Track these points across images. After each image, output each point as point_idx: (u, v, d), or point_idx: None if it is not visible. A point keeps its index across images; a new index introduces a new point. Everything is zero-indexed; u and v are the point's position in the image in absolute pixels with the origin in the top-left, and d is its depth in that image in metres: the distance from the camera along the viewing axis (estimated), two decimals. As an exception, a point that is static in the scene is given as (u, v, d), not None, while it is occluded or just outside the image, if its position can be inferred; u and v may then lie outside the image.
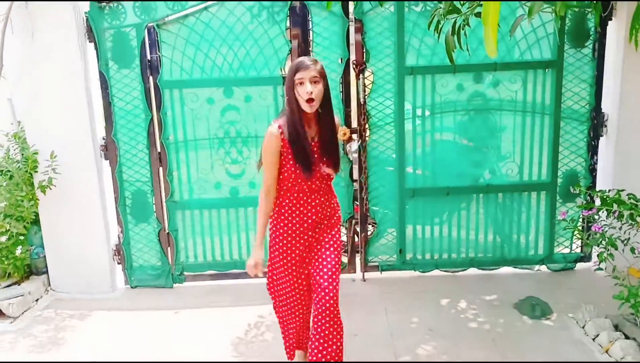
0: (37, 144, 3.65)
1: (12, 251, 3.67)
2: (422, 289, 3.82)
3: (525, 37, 3.69)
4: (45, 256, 3.90)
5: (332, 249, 2.56)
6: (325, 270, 2.49)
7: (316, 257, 2.56)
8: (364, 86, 3.75)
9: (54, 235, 3.83)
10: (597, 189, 3.68)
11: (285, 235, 2.56)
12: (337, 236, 2.62)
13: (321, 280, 2.47)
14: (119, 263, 4.01)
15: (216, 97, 3.76)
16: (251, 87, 3.73)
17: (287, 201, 2.53)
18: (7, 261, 3.68)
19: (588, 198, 3.52)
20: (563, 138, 3.84)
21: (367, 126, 3.80)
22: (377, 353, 3.04)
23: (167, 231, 3.96)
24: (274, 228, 2.59)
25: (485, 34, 1.19)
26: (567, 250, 4.03)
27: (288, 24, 3.65)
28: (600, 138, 3.86)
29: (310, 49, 3.70)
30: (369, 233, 4.03)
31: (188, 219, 3.95)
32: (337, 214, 2.64)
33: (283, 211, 2.54)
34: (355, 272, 4.05)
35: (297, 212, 2.53)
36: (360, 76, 3.73)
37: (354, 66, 3.72)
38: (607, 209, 3.12)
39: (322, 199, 2.55)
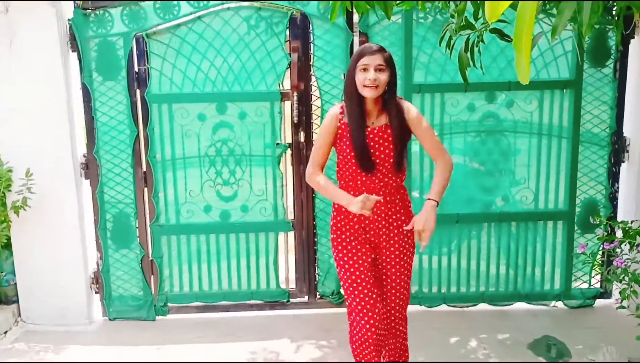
0: (11, 160, 3.65)
1: (-20, 278, 3.65)
2: (428, 326, 3.81)
3: (542, 54, 3.75)
4: (16, 283, 3.87)
5: (400, 280, 2.70)
6: (396, 302, 2.72)
7: (387, 282, 2.69)
8: None
9: (27, 260, 3.81)
10: (619, 219, 3.72)
11: (345, 238, 2.63)
12: (408, 256, 2.72)
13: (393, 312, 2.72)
14: (96, 293, 3.98)
15: (208, 113, 3.78)
16: (246, 103, 3.76)
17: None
18: (-26, 289, 3.65)
19: (609, 229, 3.54)
20: (582, 163, 3.87)
21: None
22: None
23: (150, 258, 3.95)
24: (333, 234, 2.66)
25: (517, 59, 1.21)
26: (585, 285, 4.04)
27: (288, 36, 3.70)
28: (622, 164, 3.91)
29: (311, 63, 3.75)
30: None
31: (174, 245, 3.95)
32: (408, 219, 2.68)
33: (342, 215, 2.63)
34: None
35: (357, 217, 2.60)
36: None
37: None
38: (629, 242, 3.13)
39: (388, 198, 2.60)
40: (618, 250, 3.20)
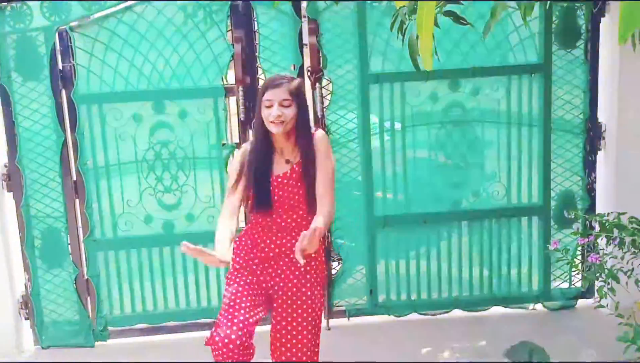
0: None
1: None
2: (398, 337, 3.85)
3: (507, 37, 3.82)
4: None
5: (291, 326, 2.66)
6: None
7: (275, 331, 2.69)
8: (322, 96, 3.82)
9: (-56, 286, 3.74)
10: (597, 211, 3.80)
11: (239, 270, 2.68)
12: (308, 302, 2.66)
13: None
14: (26, 319, 3.94)
15: (144, 113, 3.78)
16: (187, 100, 3.76)
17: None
18: None
19: (586, 223, 3.60)
20: (555, 153, 3.96)
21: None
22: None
23: (86, 277, 3.92)
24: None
25: (420, 42, 1.24)
26: (566, 285, 4.12)
27: (229, 25, 3.71)
28: (598, 152, 4.00)
29: (257, 53, 3.76)
30: (333, 271, 4.06)
31: (112, 262, 3.93)
32: (315, 268, 2.70)
33: (244, 244, 2.71)
34: None
35: (259, 247, 2.67)
36: (317, 85, 3.80)
37: (309, 74, 3.79)
38: (606, 236, 3.19)
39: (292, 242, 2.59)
40: (596, 245, 3.27)
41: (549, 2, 3.65)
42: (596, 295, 3.69)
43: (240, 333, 2.44)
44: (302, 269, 2.63)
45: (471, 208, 4.02)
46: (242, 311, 2.52)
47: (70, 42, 3.67)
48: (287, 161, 2.60)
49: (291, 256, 2.58)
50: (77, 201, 3.84)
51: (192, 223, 3.90)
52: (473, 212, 4.01)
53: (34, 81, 3.69)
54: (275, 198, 2.59)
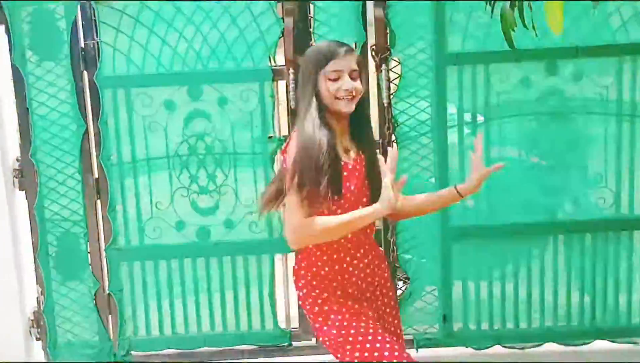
0: None
1: None
2: (477, 375, 3.59)
3: (619, 9, 3.49)
4: None
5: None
6: None
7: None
8: (388, 81, 3.62)
9: (-55, 298, 3.68)
10: None
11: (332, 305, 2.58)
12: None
13: None
14: (38, 339, 3.83)
15: (178, 99, 3.63)
16: (227, 84, 3.60)
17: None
18: None
19: None
20: None
21: (393, 137, 3.67)
22: None
23: (107, 291, 3.80)
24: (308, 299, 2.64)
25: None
26: None
27: None
28: None
29: (311, 30, 3.54)
30: (398, 292, 3.73)
31: (138, 275, 3.79)
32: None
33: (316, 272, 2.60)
34: (381, 351, 3.79)
35: (341, 270, 2.58)
36: (383, 66, 3.60)
37: (374, 54, 3.59)
38: None
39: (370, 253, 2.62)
40: None
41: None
42: None
43: None
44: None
45: (570, 219, 3.75)
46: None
47: (94, 16, 3.56)
48: (347, 151, 2.50)
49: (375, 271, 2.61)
50: (98, 202, 3.73)
51: (232, 231, 3.74)
52: (572, 224, 3.72)
53: (52, 61, 3.58)
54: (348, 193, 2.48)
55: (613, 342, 3.76)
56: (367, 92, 2.59)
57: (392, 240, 3.70)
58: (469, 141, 3.63)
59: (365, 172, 2.52)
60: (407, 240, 3.72)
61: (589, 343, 3.77)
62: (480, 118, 3.66)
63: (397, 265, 3.78)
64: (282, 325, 3.83)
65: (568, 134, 3.66)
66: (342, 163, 2.46)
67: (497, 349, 3.78)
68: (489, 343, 3.78)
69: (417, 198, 2.69)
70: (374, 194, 2.44)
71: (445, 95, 3.58)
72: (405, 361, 2.33)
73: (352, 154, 2.52)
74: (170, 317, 3.80)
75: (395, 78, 3.61)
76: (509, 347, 3.78)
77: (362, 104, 2.51)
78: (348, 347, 2.38)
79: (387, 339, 2.39)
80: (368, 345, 2.36)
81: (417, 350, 3.75)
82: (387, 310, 2.67)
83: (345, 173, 2.45)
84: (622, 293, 3.76)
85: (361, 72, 2.48)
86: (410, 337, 3.75)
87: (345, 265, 2.53)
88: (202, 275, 3.76)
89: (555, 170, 3.70)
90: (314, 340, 3.77)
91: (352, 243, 2.52)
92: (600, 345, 3.77)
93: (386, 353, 2.33)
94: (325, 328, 2.47)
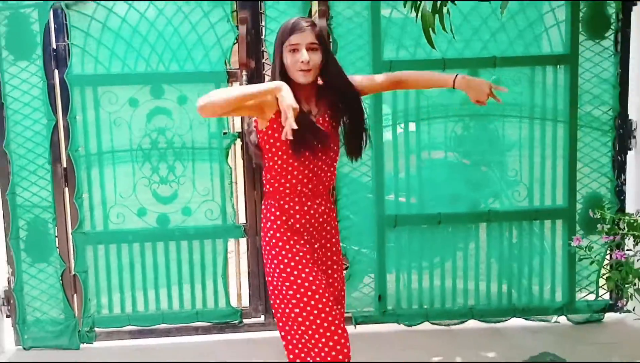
0: None
1: None
2: (407, 346, 3.84)
3: (531, 25, 3.83)
4: None
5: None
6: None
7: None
8: None
9: None
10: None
11: (286, 241, 2.63)
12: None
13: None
14: (8, 316, 3.95)
15: (141, 97, 3.80)
16: (187, 84, 3.79)
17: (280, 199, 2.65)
18: None
19: (614, 222, 3.55)
20: (581, 151, 3.95)
21: None
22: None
23: (73, 272, 3.93)
24: (268, 231, 2.68)
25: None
26: (592, 297, 4.08)
27: (235, 6, 3.75)
28: (628, 151, 3.99)
29: (263, 37, 3.78)
30: None
31: (102, 257, 3.94)
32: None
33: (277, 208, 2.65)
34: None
35: (297, 211, 2.64)
36: None
37: None
38: (633, 235, 3.17)
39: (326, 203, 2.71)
40: (622, 246, 3.25)
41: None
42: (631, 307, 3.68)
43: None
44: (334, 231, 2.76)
45: (490, 210, 4.01)
46: (335, 315, 2.53)
47: (66, 20, 3.70)
48: (310, 114, 2.55)
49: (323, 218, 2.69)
50: (66, 190, 3.87)
51: (189, 217, 3.92)
52: (492, 214, 4.00)
53: (26, 61, 3.73)
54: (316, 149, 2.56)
55: (527, 319, 4.05)
56: (334, 64, 2.59)
57: None
58: (401, 139, 3.92)
59: (332, 131, 2.59)
60: (347, 227, 3.92)
61: (506, 320, 4.05)
62: (411, 127, 3.92)
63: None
64: (234, 303, 4.01)
65: (488, 134, 3.95)
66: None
67: (426, 325, 4.03)
68: (418, 320, 4.03)
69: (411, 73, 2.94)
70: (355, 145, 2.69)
71: (381, 97, 3.82)
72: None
73: (318, 117, 2.56)
74: (131, 296, 3.95)
75: None
76: (436, 324, 4.04)
77: (329, 76, 2.56)
78: (288, 302, 2.51)
79: (325, 300, 2.47)
80: (304, 304, 2.48)
81: (355, 326, 3.98)
82: (334, 257, 2.74)
83: None
84: (535, 276, 4.05)
85: (323, 45, 2.50)
86: (350, 315, 3.97)
87: (302, 213, 2.60)
88: (161, 258, 3.93)
89: (477, 167, 3.99)
90: (263, 317, 4.00)
91: (312, 192, 2.60)
92: (516, 322, 4.05)
93: (322, 316, 2.46)
94: (276, 275, 2.55)
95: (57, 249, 3.89)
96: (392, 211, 3.96)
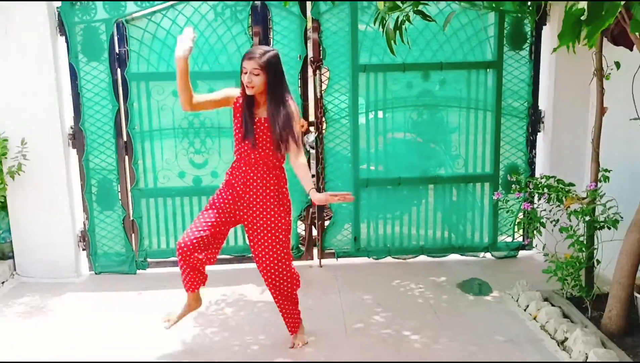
0: (7, 131, 3.87)
1: (-22, 234, 3.88)
2: (374, 273, 4.13)
3: (469, 39, 4.10)
4: (11, 241, 4.07)
5: (266, 235, 2.90)
6: (263, 260, 2.93)
7: (254, 242, 2.94)
8: (321, 81, 4.08)
9: (21, 220, 4.02)
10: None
11: (222, 188, 2.92)
12: (274, 219, 2.88)
13: (263, 269, 2.95)
14: (83, 250, 4.19)
15: None
16: (214, 81, 3.98)
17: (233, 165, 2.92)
18: (-26, 244, 3.88)
19: (526, 186, 3.88)
20: (504, 133, 4.23)
21: (323, 119, 4.12)
22: (329, 323, 3.35)
23: (131, 218, 4.17)
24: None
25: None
26: (509, 239, 4.37)
27: (250, 23, 3.96)
28: (538, 133, 4.27)
29: (271, 45, 3.99)
30: (326, 223, 4.34)
31: (152, 207, 4.17)
32: (275, 196, 2.89)
33: (228, 173, 2.93)
34: (312, 259, 4.34)
35: (235, 173, 2.88)
36: (317, 72, 4.05)
37: (311, 63, 4.06)
38: (537, 193, 3.51)
39: (264, 174, 2.85)
40: (531, 201, 3.57)
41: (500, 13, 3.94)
42: (537, 249, 3.96)
43: (187, 240, 2.79)
44: (268, 198, 2.87)
45: (436, 175, 4.29)
46: (200, 226, 2.83)
47: (125, 32, 3.93)
48: (259, 114, 2.82)
49: (258, 187, 2.86)
50: (126, 157, 4.10)
51: (216, 179, 4.15)
52: (438, 178, 4.28)
53: (96, 62, 3.95)
54: (256, 136, 2.80)
55: (462, 255, 4.38)
56: (274, 82, 2.73)
57: (321, 187, 4.18)
58: (372, 122, 4.15)
59: (270, 128, 2.78)
60: (332, 188, 4.18)
61: (446, 256, 4.37)
62: (380, 114, 4.17)
63: (325, 207, 4.25)
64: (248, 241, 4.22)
65: (436, 120, 4.20)
66: (256, 118, 2.79)
67: (388, 259, 4.35)
68: (383, 255, 4.34)
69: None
70: (276, 146, 2.80)
71: (358, 92, 4.08)
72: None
73: (260, 117, 2.79)
74: (173, 236, 4.19)
75: (325, 80, 4.09)
76: (396, 258, 4.35)
77: (271, 90, 2.74)
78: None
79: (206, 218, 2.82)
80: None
81: (337, 259, 4.30)
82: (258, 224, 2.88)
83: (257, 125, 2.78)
84: (468, 224, 4.35)
85: (266, 71, 2.68)
86: (333, 251, 4.30)
87: (239, 173, 2.85)
88: (195, 208, 4.16)
89: (427, 143, 4.24)
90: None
91: (252, 164, 2.82)
92: (454, 257, 4.38)
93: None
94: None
95: (120, 201, 4.13)
96: (364, 176, 4.23)
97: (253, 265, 4.04)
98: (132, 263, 4.20)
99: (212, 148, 4.13)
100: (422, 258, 4.39)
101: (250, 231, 2.93)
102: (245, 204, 2.89)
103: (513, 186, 3.67)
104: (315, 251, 4.36)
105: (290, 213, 2.97)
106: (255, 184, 2.87)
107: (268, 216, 2.87)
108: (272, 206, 2.88)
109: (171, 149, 4.11)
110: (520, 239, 4.40)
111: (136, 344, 3.16)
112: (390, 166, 4.27)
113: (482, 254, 4.40)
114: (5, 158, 3.85)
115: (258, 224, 2.89)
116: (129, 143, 4.08)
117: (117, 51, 3.96)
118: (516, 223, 4.06)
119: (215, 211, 2.88)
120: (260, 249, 2.92)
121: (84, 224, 4.17)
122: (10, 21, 3.75)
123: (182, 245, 2.83)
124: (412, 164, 4.28)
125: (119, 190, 4.13)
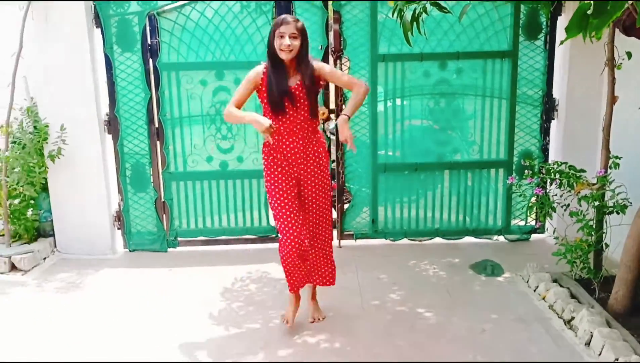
0: (47, 117, 4.02)
1: (23, 213, 4.06)
2: (391, 254, 4.19)
3: (485, 29, 4.10)
4: (52, 220, 4.25)
5: (319, 202, 2.99)
6: (319, 210, 3.00)
7: (308, 208, 2.99)
8: (341, 70, 4.11)
9: (61, 200, 4.18)
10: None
11: (271, 168, 2.93)
12: (324, 183, 2.98)
13: (316, 219, 3.01)
14: (118, 229, 4.34)
15: (209, 79, 4.11)
16: (240, 70, 4.03)
17: (272, 146, 2.92)
18: (19, 222, 4.06)
19: (539, 172, 3.90)
20: (518, 120, 4.23)
21: (343, 107, 4.15)
22: (347, 300, 3.44)
23: (163, 199, 4.29)
24: (264, 162, 2.96)
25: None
26: (522, 223, 4.41)
27: (274, 14, 4.01)
28: (552, 120, 4.26)
29: None
30: (345, 206, 4.42)
31: (182, 189, 4.29)
32: (322, 155, 2.97)
33: (268, 148, 2.93)
34: (332, 240, 4.41)
35: (279, 149, 2.89)
36: (338, 61, 4.09)
37: (332, 53, 4.10)
38: (549, 178, 3.53)
39: (305, 140, 2.89)
40: (543, 186, 3.60)
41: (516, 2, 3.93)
42: (549, 233, 3.98)
43: (297, 245, 2.83)
44: (317, 160, 2.93)
45: (452, 161, 4.31)
46: (295, 223, 2.84)
47: (157, 24, 4.02)
48: (294, 79, 2.83)
49: (306, 155, 2.90)
50: (158, 142, 4.21)
51: (241, 163, 4.25)
52: (453, 163, 4.31)
53: (129, 52, 4.05)
54: (296, 102, 2.80)
55: (476, 237, 4.41)
56: (305, 47, 2.77)
57: (341, 172, 4.25)
58: (390, 110, 4.19)
59: (305, 93, 2.79)
60: (351, 172, 4.27)
61: (461, 238, 4.41)
62: (397, 101, 4.21)
63: (345, 188, 4.30)
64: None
65: (453, 107, 4.21)
66: (289, 86, 2.77)
67: (405, 241, 4.40)
68: (400, 237, 4.39)
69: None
70: (312, 109, 2.81)
71: (377, 80, 4.12)
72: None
73: (295, 82, 2.78)
74: (202, 216, 4.32)
75: (346, 69, 4.13)
76: (412, 240, 4.40)
77: (304, 53, 2.78)
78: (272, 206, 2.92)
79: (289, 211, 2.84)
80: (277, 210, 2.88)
81: (355, 240, 4.37)
82: (313, 190, 2.94)
83: (292, 92, 2.77)
84: (483, 207, 4.37)
85: (300, 36, 2.71)
86: (352, 232, 4.38)
87: (284, 147, 2.85)
88: (222, 191, 4.28)
89: (443, 130, 4.27)
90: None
91: (294, 133, 2.82)
92: (468, 239, 4.41)
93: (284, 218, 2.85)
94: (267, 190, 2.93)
95: (152, 183, 4.25)
96: (382, 161, 4.28)
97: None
98: (163, 242, 4.34)
99: (237, 134, 4.22)
100: (437, 240, 4.44)
101: (309, 188, 2.97)
102: (302, 167, 2.93)
103: (526, 171, 3.69)
104: (335, 232, 4.39)
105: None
106: (304, 147, 2.89)
107: (322, 173, 2.97)
108: (324, 165, 2.97)
109: (199, 135, 4.20)
110: (533, 223, 4.42)
111: (167, 316, 3.31)
112: (408, 152, 4.31)
113: (495, 237, 4.43)
114: (46, 142, 4.01)
115: (315, 182, 2.97)
116: (160, 129, 4.18)
117: (149, 42, 4.05)
118: (529, 207, 4.16)
119: (287, 198, 2.88)
120: (316, 202, 2.98)
121: (119, 205, 4.30)
122: (50, 14, 3.87)
123: (299, 245, 2.86)
124: (428, 150, 4.32)
125: (151, 173, 4.24)
